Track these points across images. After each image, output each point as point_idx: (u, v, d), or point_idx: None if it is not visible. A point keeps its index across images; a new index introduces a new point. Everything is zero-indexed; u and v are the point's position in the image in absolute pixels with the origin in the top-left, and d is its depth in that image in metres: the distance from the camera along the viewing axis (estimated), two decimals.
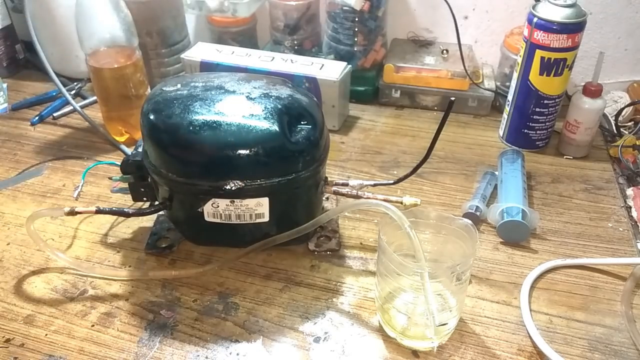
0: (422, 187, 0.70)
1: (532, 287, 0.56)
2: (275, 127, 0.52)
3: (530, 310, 0.53)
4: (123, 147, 0.77)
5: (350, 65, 0.81)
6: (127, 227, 0.64)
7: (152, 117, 0.53)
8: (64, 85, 0.83)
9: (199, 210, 0.55)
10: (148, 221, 0.63)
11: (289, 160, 0.53)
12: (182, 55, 0.77)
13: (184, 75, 0.59)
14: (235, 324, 0.53)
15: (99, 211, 0.57)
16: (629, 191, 0.70)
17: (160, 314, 0.54)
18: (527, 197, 0.65)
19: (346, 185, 0.58)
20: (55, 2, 0.88)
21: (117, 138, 0.78)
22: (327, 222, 0.60)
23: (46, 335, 0.52)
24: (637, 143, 0.76)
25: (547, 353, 0.49)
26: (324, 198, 0.61)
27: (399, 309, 0.50)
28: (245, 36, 0.95)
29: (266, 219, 0.55)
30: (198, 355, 0.50)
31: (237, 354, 0.50)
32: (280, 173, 0.53)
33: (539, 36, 0.70)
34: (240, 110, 0.53)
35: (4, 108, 0.89)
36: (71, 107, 0.84)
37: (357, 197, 0.57)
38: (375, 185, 0.60)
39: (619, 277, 0.58)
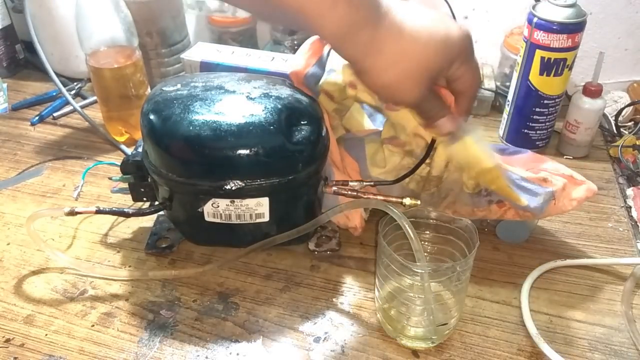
0: None
1: (532, 287, 0.56)
2: (275, 127, 0.52)
3: (530, 310, 0.53)
4: (123, 147, 0.77)
5: None
6: (127, 227, 0.64)
7: (152, 117, 0.53)
8: (64, 85, 0.83)
9: (199, 210, 0.55)
10: (148, 221, 0.63)
11: (289, 160, 0.53)
12: (182, 55, 0.77)
13: (184, 75, 0.59)
14: (235, 324, 0.53)
15: (99, 211, 0.57)
16: (629, 191, 0.70)
17: (160, 314, 0.54)
18: None
19: (346, 185, 0.58)
20: (55, 2, 0.88)
21: (117, 138, 0.78)
22: (327, 222, 0.60)
23: (46, 335, 0.52)
24: (637, 143, 0.76)
25: (547, 353, 0.49)
26: (323, 198, 0.61)
27: (399, 309, 0.50)
28: (245, 36, 0.95)
29: (266, 219, 0.55)
30: (198, 355, 0.50)
31: (237, 354, 0.50)
32: (280, 173, 0.53)
33: (539, 36, 0.70)
34: (240, 110, 0.53)
35: (4, 108, 0.89)
36: (71, 107, 0.84)
37: (357, 197, 0.57)
38: (375, 184, 0.60)
39: (619, 277, 0.58)
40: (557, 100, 0.75)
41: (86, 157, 0.77)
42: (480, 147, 0.53)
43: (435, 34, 0.44)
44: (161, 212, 0.60)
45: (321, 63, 0.57)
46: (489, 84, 0.87)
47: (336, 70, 0.55)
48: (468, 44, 0.46)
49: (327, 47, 0.58)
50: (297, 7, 0.42)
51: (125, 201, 0.66)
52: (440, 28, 0.45)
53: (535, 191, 0.55)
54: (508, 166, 0.56)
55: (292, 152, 0.53)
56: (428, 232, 0.53)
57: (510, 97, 0.78)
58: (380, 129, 0.62)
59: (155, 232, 0.62)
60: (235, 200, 0.54)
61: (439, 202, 0.61)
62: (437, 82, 0.48)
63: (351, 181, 0.59)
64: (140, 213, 0.59)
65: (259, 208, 0.54)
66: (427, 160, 0.57)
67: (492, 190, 0.55)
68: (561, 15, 0.68)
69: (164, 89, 0.56)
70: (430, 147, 0.56)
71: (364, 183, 0.59)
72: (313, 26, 0.43)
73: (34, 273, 0.58)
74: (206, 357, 0.50)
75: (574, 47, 0.70)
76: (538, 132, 0.77)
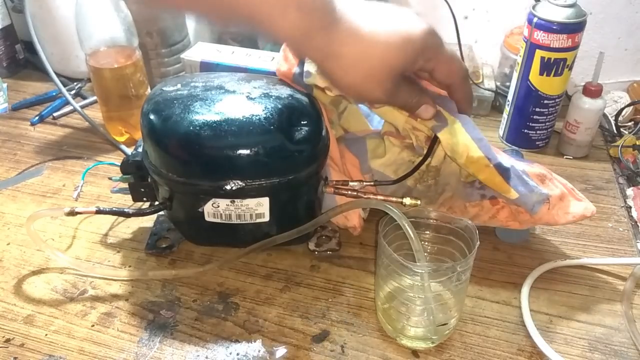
0: None
1: (532, 287, 0.56)
2: (275, 127, 0.52)
3: (530, 310, 0.53)
4: (123, 147, 0.77)
5: None
6: (127, 227, 0.64)
7: (152, 117, 0.53)
8: (64, 85, 0.83)
9: (199, 210, 0.55)
10: (148, 221, 0.63)
11: (289, 160, 0.53)
12: (182, 55, 0.76)
13: (184, 75, 0.59)
14: (235, 324, 0.53)
15: (99, 211, 0.57)
16: (629, 191, 0.70)
17: (160, 314, 0.54)
18: None
19: (346, 184, 0.58)
20: (55, 2, 0.88)
21: (117, 138, 0.78)
22: (327, 222, 0.60)
23: (46, 335, 0.52)
24: (637, 143, 0.76)
25: (547, 353, 0.49)
26: (323, 198, 0.61)
27: (399, 309, 0.50)
28: (245, 36, 0.95)
29: (266, 219, 0.55)
30: (198, 355, 0.50)
31: (237, 354, 0.50)
32: (280, 173, 0.53)
33: (539, 36, 0.70)
34: (240, 110, 0.53)
35: (4, 108, 0.89)
36: (71, 107, 0.84)
37: (357, 196, 0.57)
38: (375, 184, 0.60)
39: (619, 277, 0.58)
40: (557, 100, 0.75)
41: (86, 157, 0.77)
42: (467, 135, 0.52)
43: (395, 33, 0.45)
44: (161, 212, 0.60)
45: (303, 61, 0.57)
46: (489, 84, 0.87)
47: (313, 73, 0.54)
48: (431, 39, 0.46)
49: None
50: (248, 14, 0.42)
51: (125, 201, 0.66)
52: (400, 27, 0.45)
53: (531, 187, 0.54)
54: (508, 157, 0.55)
55: (292, 152, 0.53)
56: (428, 232, 0.53)
57: (510, 97, 0.78)
58: (379, 129, 0.62)
59: (155, 232, 0.62)
60: (236, 200, 0.54)
61: (436, 197, 0.61)
62: (408, 75, 0.49)
63: (351, 181, 0.59)
64: (140, 213, 0.59)
65: (259, 208, 0.54)
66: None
67: (481, 181, 0.54)
68: (561, 15, 0.68)
69: (164, 89, 0.56)
70: (432, 145, 0.56)
71: (364, 183, 0.59)
72: (268, 33, 0.44)
73: (34, 273, 0.58)
74: (206, 357, 0.50)
75: (574, 47, 0.70)
76: (538, 132, 0.77)
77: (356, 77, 0.46)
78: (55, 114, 0.86)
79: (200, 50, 0.77)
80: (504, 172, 0.53)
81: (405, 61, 0.46)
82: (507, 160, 0.54)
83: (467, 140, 0.52)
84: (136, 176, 0.59)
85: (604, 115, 0.85)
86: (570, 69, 0.72)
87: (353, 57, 0.44)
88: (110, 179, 0.61)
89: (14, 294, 0.56)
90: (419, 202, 0.55)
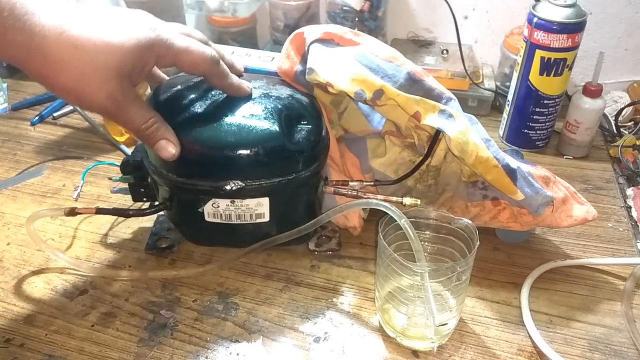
0: None
1: (532, 287, 0.56)
2: (275, 127, 0.52)
3: (530, 310, 0.53)
4: (123, 147, 0.77)
5: None
6: (127, 227, 0.64)
7: None
8: None
9: (199, 210, 0.55)
10: (148, 221, 0.63)
11: (289, 160, 0.53)
12: None
13: (184, 75, 0.59)
14: (235, 324, 0.53)
15: (99, 211, 0.57)
16: (629, 191, 0.70)
17: (160, 314, 0.54)
18: None
19: (346, 185, 0.58)
20: None
21: (117, 138, 0.78)
22: (327, 222, 0.60)
23: (46, 335, 0.52)
24: (637, 143, 0.76)
25: (547, 353, 0.49)
26: (323, 198, 0.61)
27: (399, 309, 0.50)
28: (245, 36, 0.95)
29: (266, 219, 0.55)
30: (198, 355, 0.50)
31: (237, 354, 0.50)
32: (280, 173, 0.53)
33: (539, 36, 0.70)
34: (240, 110, 0.53)
35: (4, 108, 0.89)
36: (71, 107, 0.84)
37: (357, 196, 0.57)
38: (375, 184, 0.60)
39: (619, 277, 0.58)
40: (557, 100, 0.75)
41: (86, 157, 0.77)
42: (477, 135, 0.52)
43: (109, 31, 0.43)
44: (161, 212, 0.60)
45: (305, 59, 0.57)
46: (489, 84, 0.87)
47: (315, 70, 0.54)
48: (155, 36, 0.45)
49: (306, 43, 0.57)
50: None
51: (125, 201, 0.66)
52: (115, 25, 0.44)
53: (536, 189, 0.54)
54: (513, 159, 0.55)
55: (292, 152, 0.53)
56: (428, 232, 0.53)
57: (510, 97, 0.78)
58: (379, 129, 0.62)
59: (155, 232, 0.62)
60: (236, 200, 0.54)
61: (436, 197, 0.61)
62: (136, 83, 0.48)
63: (351, 181, 0.59)
64: (140, 213, 0.59)
65: (259, 208, 0.54)
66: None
67: (487, 181, 0.54)
68: (561, 15, 0.68)
69: (164, 89, 0.56)
70: (432, 145, 0.56)
71: (364, 183, 0.59)
72: None
73: (34, 273, 0.58)
74: (206, 357, 0.50)
75: (574, 47, 0.70)
76: (538, 132, 0.77)
77: (70, 76, 0.42)
78: (55, 114, 0.86)
79: None
80: (511, 173, 0.53)
81: (126, 59, 0.43)
82: (513, 161, 0.54)
83: (476, 140, 0.52)
84: (136, 176, 0.59)
85: (604, 115, 0.85)
86: (570, 69, 0.72)
87: (62, 53, 0.41)
88: (110, 179, 0.61)
89: (14, 294, 0.56)
90: (419, 202, 0.55)
